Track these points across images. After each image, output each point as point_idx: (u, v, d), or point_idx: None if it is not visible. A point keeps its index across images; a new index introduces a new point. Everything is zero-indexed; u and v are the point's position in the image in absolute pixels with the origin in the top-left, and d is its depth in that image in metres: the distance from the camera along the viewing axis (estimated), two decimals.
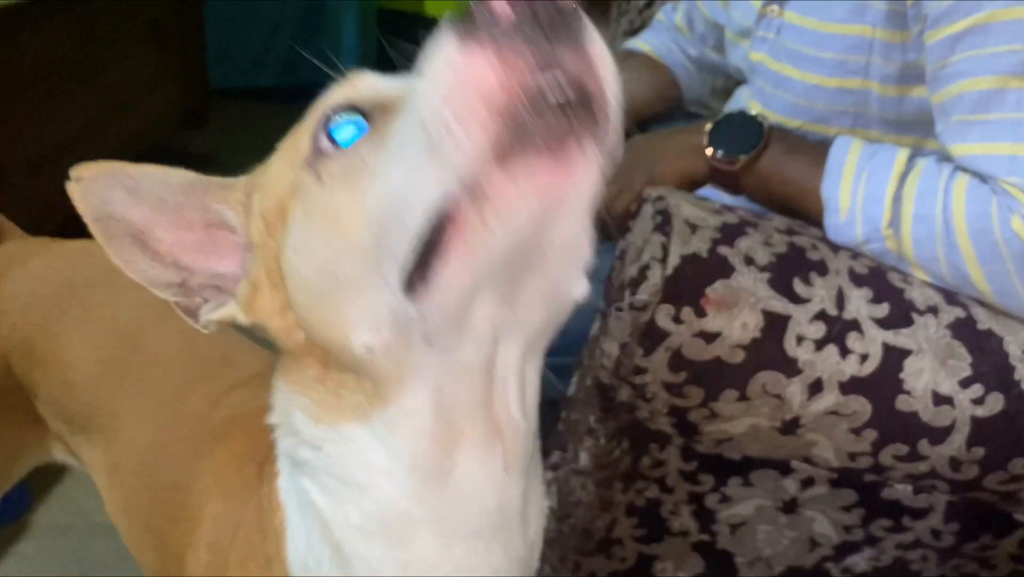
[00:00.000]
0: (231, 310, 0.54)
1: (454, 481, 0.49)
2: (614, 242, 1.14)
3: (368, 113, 0.46)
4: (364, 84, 0.49)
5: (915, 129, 0.95)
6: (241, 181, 0.55)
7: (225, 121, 2.67)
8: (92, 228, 0.53)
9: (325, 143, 0.46)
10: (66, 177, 1.99)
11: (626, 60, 1.34)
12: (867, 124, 0.97)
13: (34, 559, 1.44)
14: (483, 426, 0.48)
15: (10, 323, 0.88)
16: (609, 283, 0.96)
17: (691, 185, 1.00)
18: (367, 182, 0.43)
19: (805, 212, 0.91)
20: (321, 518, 0.52)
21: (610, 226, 1.06)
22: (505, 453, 0.49)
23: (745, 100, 1.09)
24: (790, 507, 0.95)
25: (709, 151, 0.96)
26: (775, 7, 1.01)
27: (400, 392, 0.46)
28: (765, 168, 0.94)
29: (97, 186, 0.53)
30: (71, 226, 1.99)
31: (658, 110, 1.31)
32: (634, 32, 1.82)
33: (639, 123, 1.33)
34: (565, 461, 1.01)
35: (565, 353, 1.07)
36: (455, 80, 0.37)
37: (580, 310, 1.08)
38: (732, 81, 1.39)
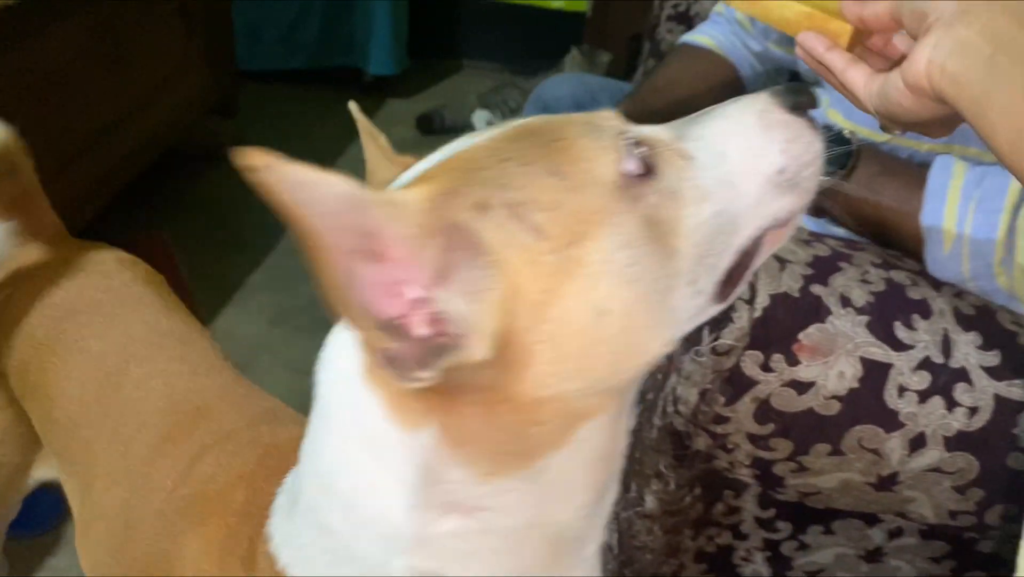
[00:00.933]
0: (472, 347, 0.42)
1: (610, 486, 0.50)
2: None
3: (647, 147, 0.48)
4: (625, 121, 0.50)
5: None
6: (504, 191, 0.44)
7: (253, 106, 2.60)
8: (319, 229, 0.38)
9: (632, 168, 0.46)
10: (92, 175, 1.92)
11: (687, 54, 1.25)
12: (965, 140, 0.88)
13: (67, 572, 1.40)
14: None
15: (11, 343, 0.81)
16: None
17: None
18: (685, 206, 0.47)
19: (899, 241, 0.83)
20: None
21: None
22: None
23: (823, 107, 1.00)
24: (874, 556, 0.88)
25: None
26: None
27: (617, 398, 0.47)
28: (855, 191, 0.85)
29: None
30: (97, 226, 1.93)
31: None
32: (679, 17, 1.74)
33: None
34: (629, 503, 0.94)
35: None
36: (800, 139, 0.50)
37: None
38: (798, 78, 1.30)
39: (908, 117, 0.54)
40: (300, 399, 1.87)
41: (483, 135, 0.48)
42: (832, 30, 0.57)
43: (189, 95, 2.18)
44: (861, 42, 0.57)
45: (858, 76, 0.56)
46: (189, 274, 1.99)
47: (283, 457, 0.58)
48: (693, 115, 0.52)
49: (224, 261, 2.07)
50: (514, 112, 2.67)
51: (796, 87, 0.51)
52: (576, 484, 0.47)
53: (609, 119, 0.48)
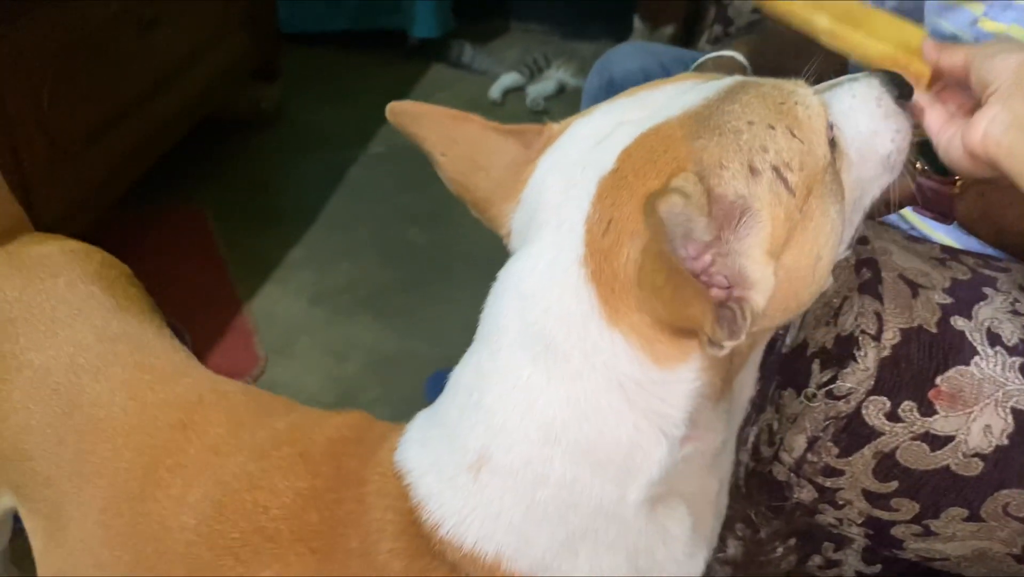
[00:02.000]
0: (757, 299, 0.46)
1: None
2: None
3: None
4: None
5: None
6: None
7: (295, 69, 2.49)
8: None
9: (831, 135, 0.50)
10: (126, 145, 1.81)
11: None
12: None
13: None
14: None
15: None
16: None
17: (885, 207, 0.78)
18: (844, 170, 0.52)
19: None
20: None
21: None
22: None
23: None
24: None
25: (917, 164, 0.74)
26: None
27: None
28: (997, 192, 0.71)
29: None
30: (133, 197, 1.83)
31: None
32: None
33: None
34: None
35: None
36: (903, 130, 0.55)
37: None
38: None
39: (967, 175, 0.59)
40: (339, 385, 1.77)
41: (689, 91, 0.50)
42: (913, 71, 0.60)
43: (229, 59, 2.08)
44: (941, 78, 0.61)
45: (934, 121, 0.60)
46: (227, 249, 1.91)
47: (330, 457, 0.56)
48: (822, 86, 0.55)
49: (263, 235, 1.98)
50: (541, 70, 2.56)
51: (899, 78, 0.56)
52: (745, 397, 0.53)
53: (805, 87, 0.52)
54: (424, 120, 0.55)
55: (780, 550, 0.75)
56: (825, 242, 0.49)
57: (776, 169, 0.47)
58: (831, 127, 0.51)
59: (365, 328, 1.73)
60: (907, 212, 0.77)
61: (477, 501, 0.48)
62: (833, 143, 0.51)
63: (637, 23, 2.37)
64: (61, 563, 0.65)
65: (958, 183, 0.72)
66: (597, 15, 2.79)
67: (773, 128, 0.48)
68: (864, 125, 0.54)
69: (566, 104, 2.50)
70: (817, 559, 0.75)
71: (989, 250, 0.76)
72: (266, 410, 0.64)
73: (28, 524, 0.69)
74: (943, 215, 0.75)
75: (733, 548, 0.78)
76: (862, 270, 0.64)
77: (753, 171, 0.46)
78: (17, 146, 1.42)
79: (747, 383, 0.53)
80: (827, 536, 0.73)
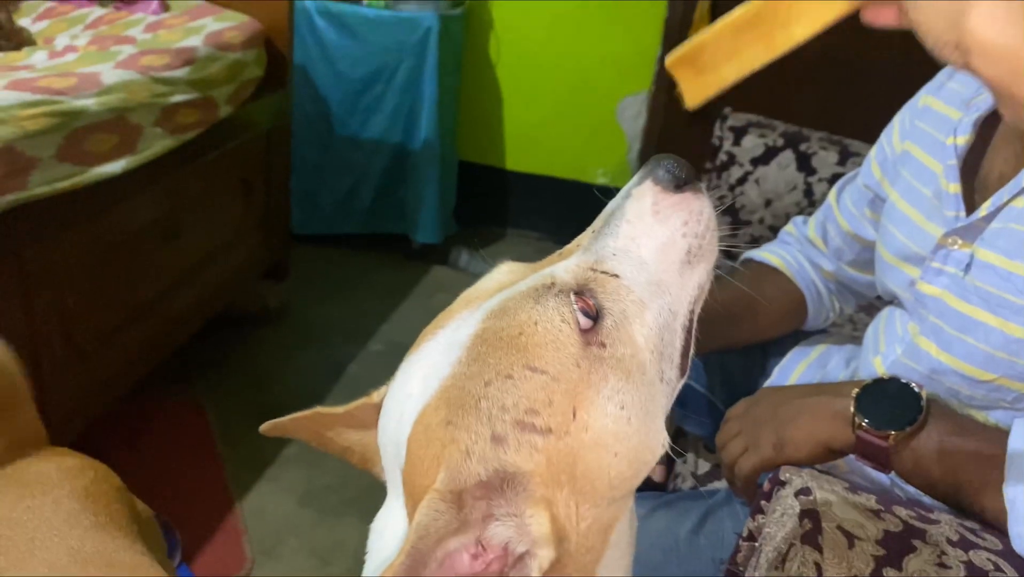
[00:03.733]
0: (543, 554, 0.46)
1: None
2: (731, 500, 1.00)
3: (573, 286, 0.51)
4: (553, 273, 0.53)
5: None
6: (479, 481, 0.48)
7: (304, 268, 2.65)
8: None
9: (584, 323, 0.49)
10: (139, 342, 1.88)
11: (751, 270, 1.19)
12: None
13: None
14: None
15: None
16: (733, 566, 0.82)
17: (828, 454, 0.86)
18: (632, 323, 0.51)
19: (978, 509, 0.76)
20: None
21: (735, 488, 0.93)
22: None
23: (909, 334, 0.93)
24: None
25: (856, 420, 0.83)
26: (957, 240, 0.86)
27: (633, 493, 0.52)
28: (925, 449, 0.80)
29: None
30: (139, 396, 1.89)
31: (777, 335, 1.18)
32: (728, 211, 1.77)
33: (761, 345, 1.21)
34: None
35: None
36: (693, 215, 0.54)
37: None
38: (862, 307, 1.25)
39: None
40: None
41: (448, 349, 0.50)
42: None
43: (243, 261, 2.21)
44: None
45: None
46: (224, 443, 1.97)
47: None
48: (596, 224, 0.57)
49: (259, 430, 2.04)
50: None
51: (670, 162, 0.54)
52: (620, 568, 0.53)
53: (543, 277, 0.51)
54: (290, 428, 0.65)
55: None
56: (617, 436, 0.48)
57: (519, 424, 0.46)
58: (584, 312, 0.49)
59: (351, 529, 1.76)
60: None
61: None
62: (599, 316, 0.49)
63: None
64: None
65: (891, 437, 0.81)
66: (589, 222, 3.00)
67: (509, 377, 0.47)
68: (646, 249, 0.53)
69: None
70: None
71: (926, 499, 0.83)
72: None
73: None
74: (882, 465, 0.83)
75: None
76: (804, 520, 0.71)
77: (497, 440, 0.45)
78: (37, 345, 1.50)
79: (616, 560, 0.52)
80: None
